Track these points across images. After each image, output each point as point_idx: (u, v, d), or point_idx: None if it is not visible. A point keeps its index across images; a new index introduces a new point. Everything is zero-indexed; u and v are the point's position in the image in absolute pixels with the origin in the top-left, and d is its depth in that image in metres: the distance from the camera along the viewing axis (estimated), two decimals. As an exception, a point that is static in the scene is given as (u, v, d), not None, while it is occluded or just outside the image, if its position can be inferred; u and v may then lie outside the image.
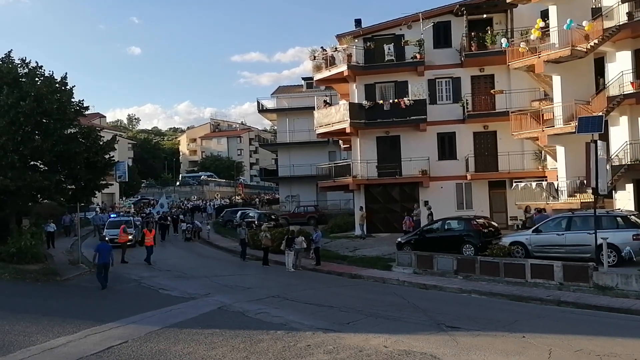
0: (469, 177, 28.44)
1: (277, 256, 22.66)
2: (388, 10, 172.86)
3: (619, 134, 22.08)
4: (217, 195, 69.21)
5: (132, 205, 52.10)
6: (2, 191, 21.59)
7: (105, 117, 79.70)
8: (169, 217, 38.51)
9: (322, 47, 31.18)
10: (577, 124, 17.51)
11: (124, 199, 56.24)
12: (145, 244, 23.97)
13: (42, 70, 23.75)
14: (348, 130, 29.18)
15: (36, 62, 23.83)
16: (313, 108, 33.91)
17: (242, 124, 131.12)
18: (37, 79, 23.31)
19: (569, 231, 17.69)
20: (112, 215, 35.87)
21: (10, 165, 21.57)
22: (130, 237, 26.75)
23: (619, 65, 22.06)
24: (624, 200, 21.61)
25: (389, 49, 29.12)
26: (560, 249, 17.59)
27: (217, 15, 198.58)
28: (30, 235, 22.77)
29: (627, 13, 21.19)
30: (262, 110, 52.75)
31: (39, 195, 24.15)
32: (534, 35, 23.57)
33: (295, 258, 21.37)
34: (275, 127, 56.33)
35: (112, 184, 29.87)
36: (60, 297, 16.48)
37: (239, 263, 24.27)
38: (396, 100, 28.85)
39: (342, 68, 29.09)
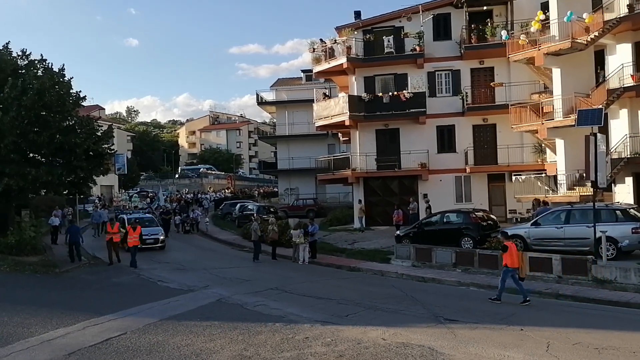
0: (468, 170, 28.40)
1: (278, 249, 22.56)
2: (388, 2, 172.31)
3: (619, 127, 22.05)
4: (210, 188, 68.50)
5: (138, 198, 50.32)
6: (7, 190, 21.51)
7: (104, 109, 79.43)
8: (170, 212, 37.83)
9: (321, 39, 31.13)
10: (576, 116, 17.46)
11: (122, 191, 55.69)
12: (128, 244, 20.88)
13: (46, 64, 23.58)
14: (347, 123, 29.12)
15: (41, 54, 23.82)
16: (312, 101, 33.81)
17: (241, 116, 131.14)
18: (36, 70, 23.18)
19: (567, 224, 17.70)
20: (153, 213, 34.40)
21: (9, 160, 21.47)
22: (161, 237, 25.78)
23: (619, 58, 22.01)
24: (623, 193, 21.62)
25: (389, 41, 29.00)
26: (559, 242, 17.61)
27: (214, 7, 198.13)
28: (31, 227, 22.76)
29: (627, 5, 21.10)
30: (261, 102, 52.64)
31: (42, 190, 24.02)
32: (534, 27, 23.46)
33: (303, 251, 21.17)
34: (275, 120, 56.25)
35: (110, 169, 29.38)
36: (59, 289, 16.46)
37: (238, 256, 24.21)
38: (395, 92, 28.79)
39: (342, 60, 28.99)
